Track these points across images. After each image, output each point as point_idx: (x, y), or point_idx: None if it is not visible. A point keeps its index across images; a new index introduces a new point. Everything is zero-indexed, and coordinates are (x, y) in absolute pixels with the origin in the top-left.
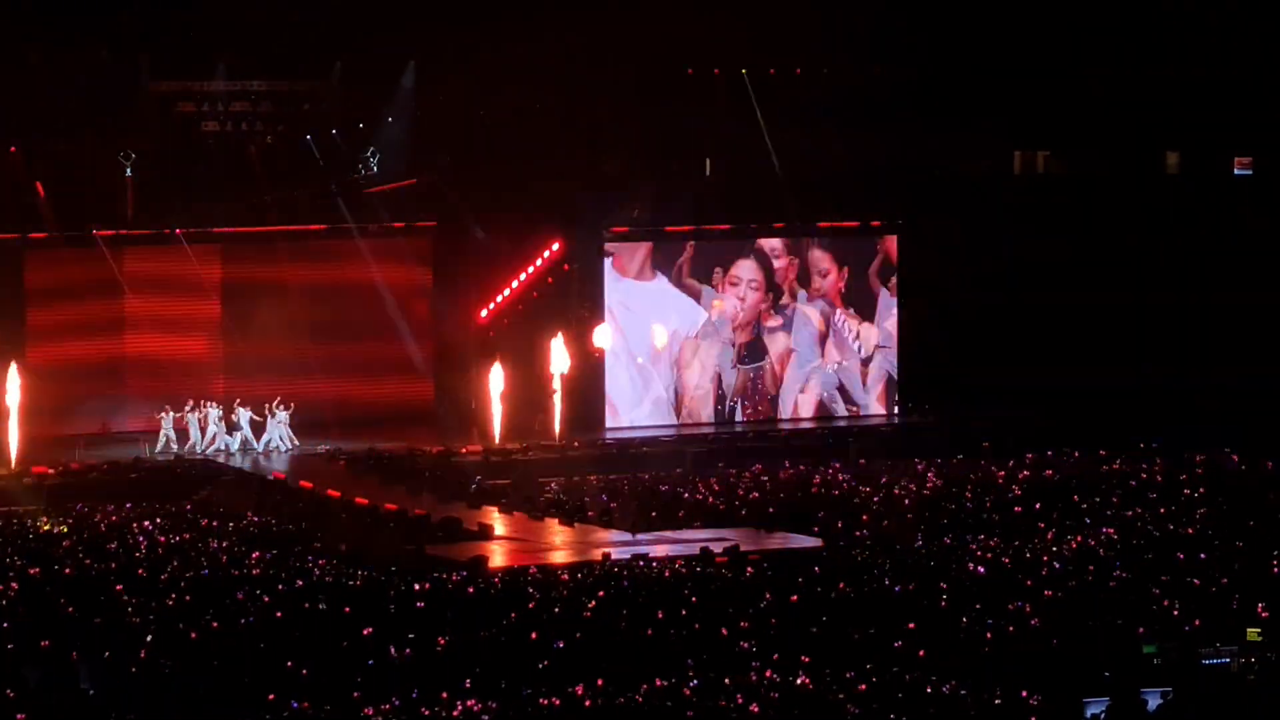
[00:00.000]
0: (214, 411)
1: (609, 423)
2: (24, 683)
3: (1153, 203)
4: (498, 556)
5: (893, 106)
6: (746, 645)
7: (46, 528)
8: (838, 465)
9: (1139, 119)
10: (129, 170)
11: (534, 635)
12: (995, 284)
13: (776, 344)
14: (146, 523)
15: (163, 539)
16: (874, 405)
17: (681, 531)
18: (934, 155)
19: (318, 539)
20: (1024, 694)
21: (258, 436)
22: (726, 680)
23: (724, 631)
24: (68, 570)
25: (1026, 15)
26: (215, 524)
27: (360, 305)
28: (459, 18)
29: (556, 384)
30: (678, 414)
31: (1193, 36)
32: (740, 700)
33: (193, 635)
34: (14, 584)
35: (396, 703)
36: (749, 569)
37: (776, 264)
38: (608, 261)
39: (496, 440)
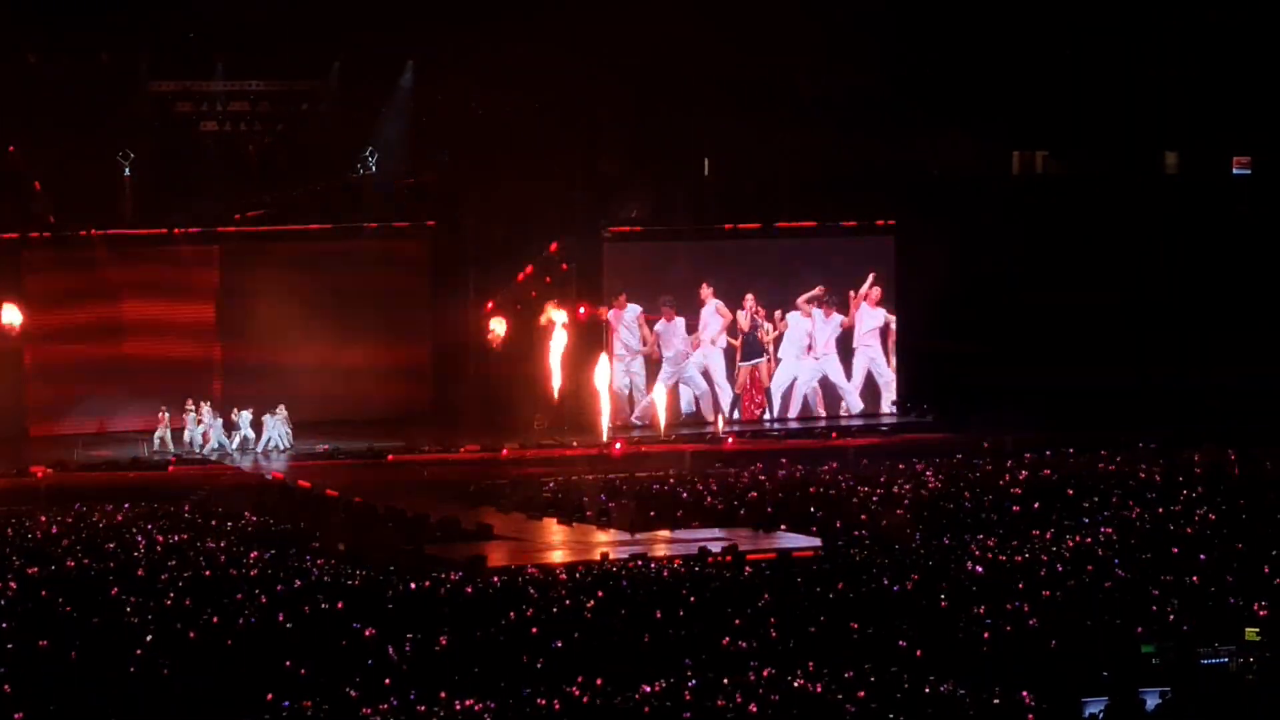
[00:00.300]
0: (210, 411)
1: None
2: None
3: (1151, 203)
4: (496, 556)
5: (891, 107)
6: (745, 645)
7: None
8: (836, 465)
9: (1137, 119)
10: (127, 170)
11: (533, 634)
12: (993, 284)
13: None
14: (145, 522)
15: (160, 539)
16: (859, 405)
17: (680, 531)
18: (932, 155)
19: (316, 539)
20: (1022, 694)
21: (258, 436)
22: (725, 680)
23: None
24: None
25: (1025, 15)
26: (213, 524)
27: (359, 305)
28: (457, 18)
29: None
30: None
31: (1191, 36)
32: (739, 700)
33: (191, 635)
34: (12, 584)
35: (395, 702)
36: (747, 569)
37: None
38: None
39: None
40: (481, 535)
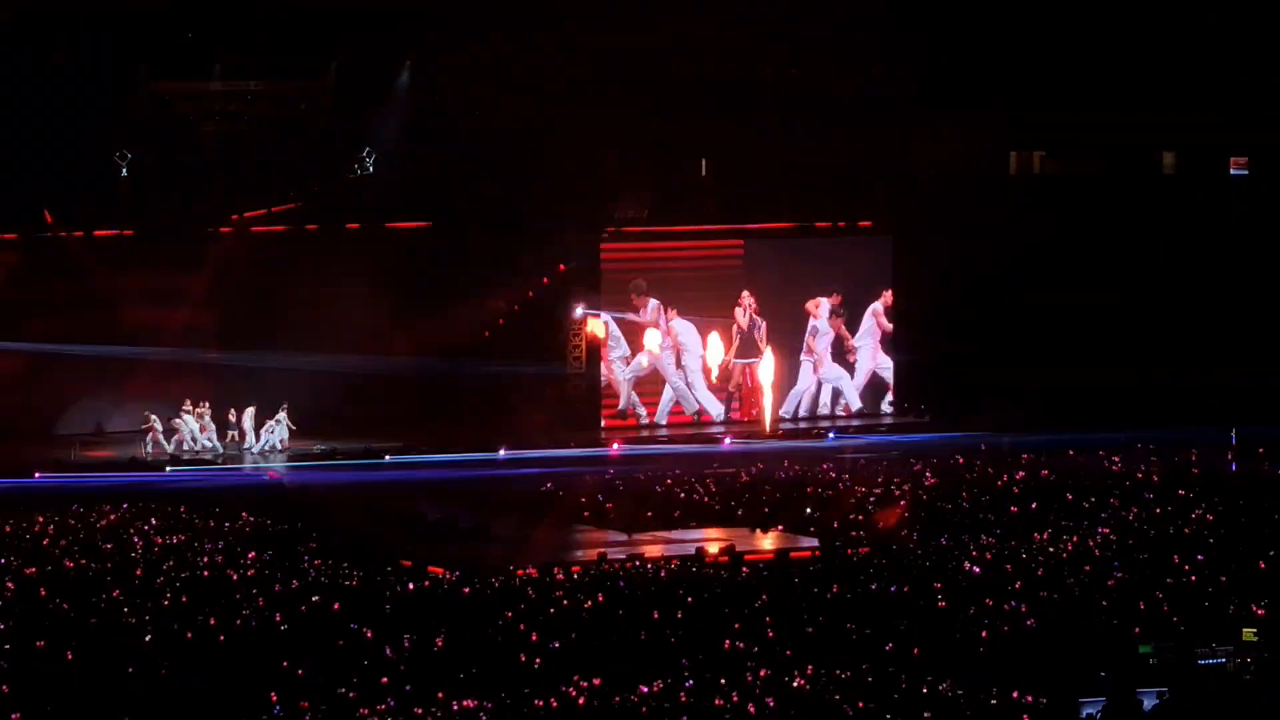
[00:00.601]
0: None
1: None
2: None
3: (1148, 203)
4: (493, 557)
5: (888, 106)
6: (742, 646)
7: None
8: (833, 465)
9: (1135, 119)
10: (125, 170)
11: (530, 635)
12: (991, 284)
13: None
14: (142, 523)
15: (158, 539)
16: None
17: (677, 532)
18: (929, 155)
19: (313, 539)
20: (1020, 694)
21: (259, 436)
22: (722, 681)
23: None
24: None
25: (1022, 15)
26: (211, 524)
27: (357, 305)
28: (455, 18)
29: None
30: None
31: (1189, 36)
32: (736, 700)
33: (188, 636)
34: (10, 584)
35: (392, 703)
36: (745, 569)
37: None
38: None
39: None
40: (479, 536)
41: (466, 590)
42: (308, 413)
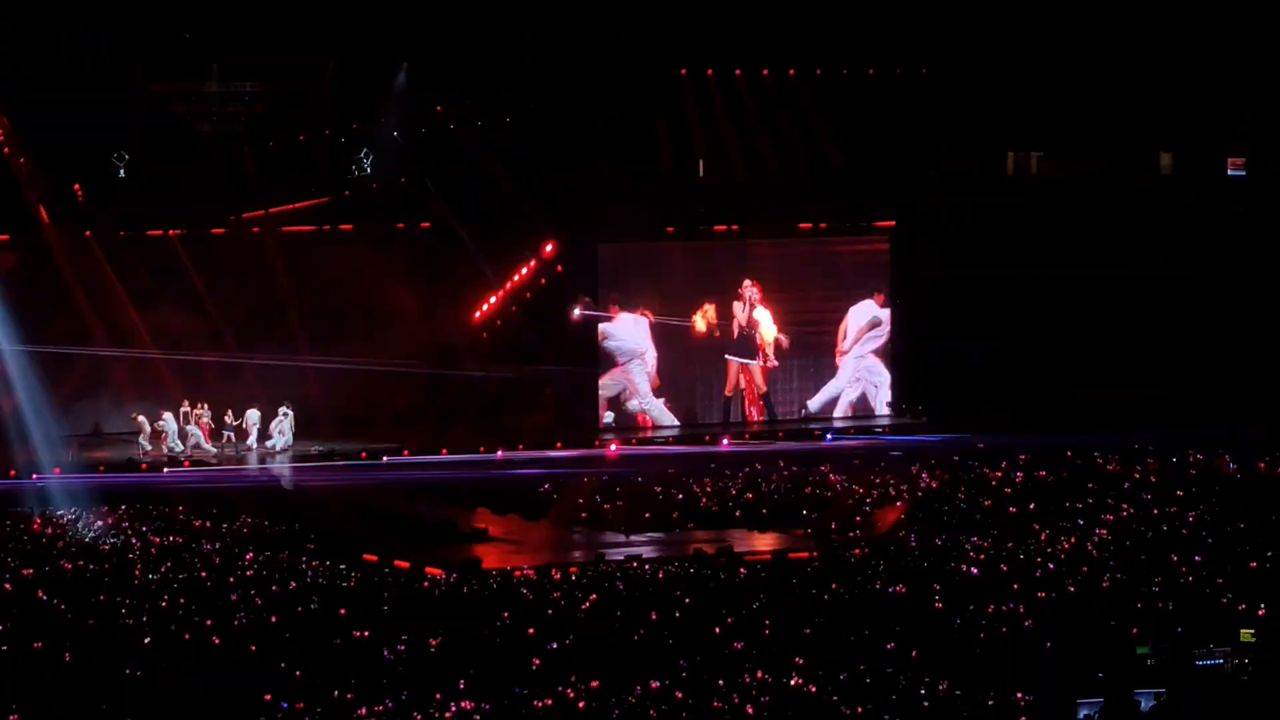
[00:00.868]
0: (207, 414)
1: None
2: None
3: (1146, 204)
4: (491, 558)
5: (886, 108)
6: (740, 646)
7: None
8: (830, 466)
9: (1132, 120)
10: (122, 172)
11: (528, 636)
12: (989, 285)
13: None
14: (140, 524)
15: (156, 540)
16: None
17: (675, 532)
18: (927, 156)
19: (311, 540)
20: (1017, 695)
21: (262, 438)
22: (720, 681)
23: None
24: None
25: (1020, 16)
26: (208, 525)
27: (355, 306)
28: (453, 19)
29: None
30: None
31: (1187, 37)
32: (734, 701)
33: (186, 637)
34: (7, 585)
35: (390, 704)
36: (742, 570)
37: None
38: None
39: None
40: (477, 537)
41: (464, 591)
42: (305, 414)
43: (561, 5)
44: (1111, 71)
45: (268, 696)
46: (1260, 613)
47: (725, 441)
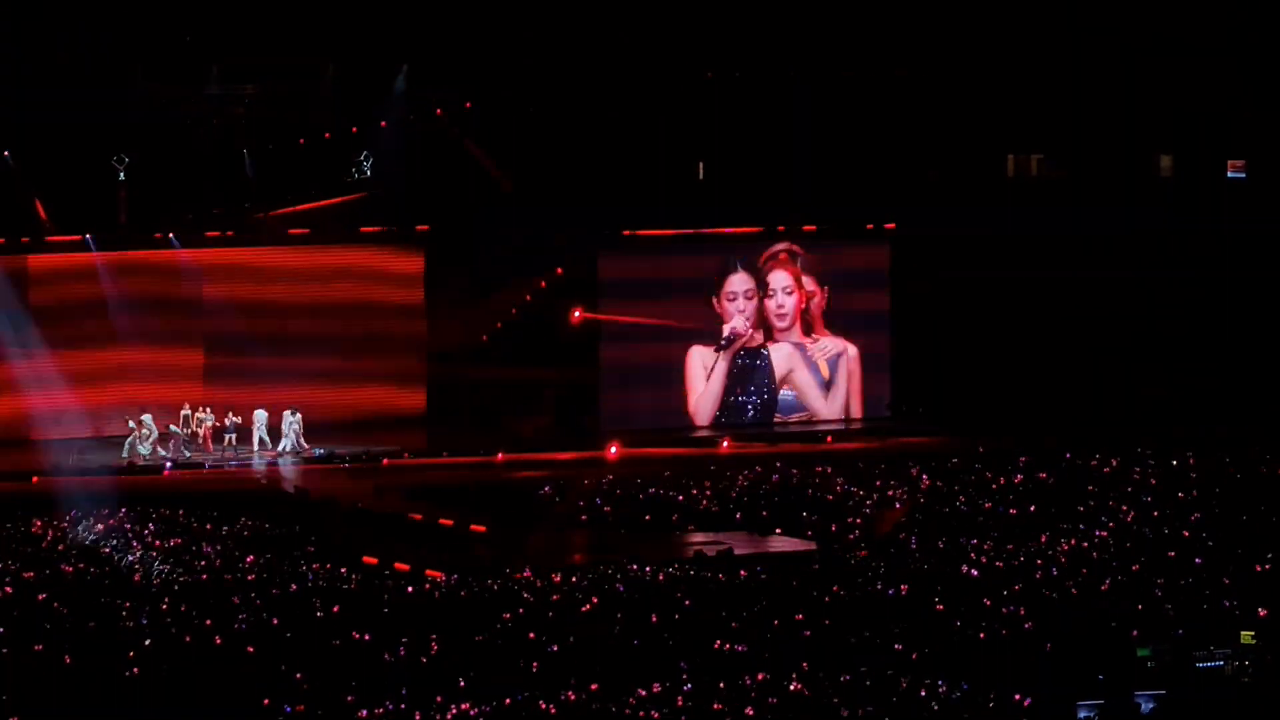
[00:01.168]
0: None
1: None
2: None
3: (1146, 205)
4: (491, 560)
5: (886, 109)
6: (740, 649)
7: None
8: (831, 468)
9: (1132, 122)
10: (121, 175)
11: (528, 639)
12: (989, 286)
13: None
14: (140, 526)
15: (156, 543)
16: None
17: (675, 534)
18: (927, 158)
19: (312, 542)
20: (1017, 696)
21: (274, 440)
22: (720, 684)
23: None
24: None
25: (1020, 17)
26: (209, 528)
27: (354, 308)
28: (452, 21)
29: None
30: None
31: (1186, 38)
32: (734, 704)
33: (186, 639)
34: (8, 588)
35: (390, 706)
36: (742, 572)
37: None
38: None
39: None
40: (477, 540)
41: (464, 594)
42: (305, 416)
43: (561, 6)
44: (1111, 73)
45: (267, 700)
46: (1261, 614)
47: (725, 444)
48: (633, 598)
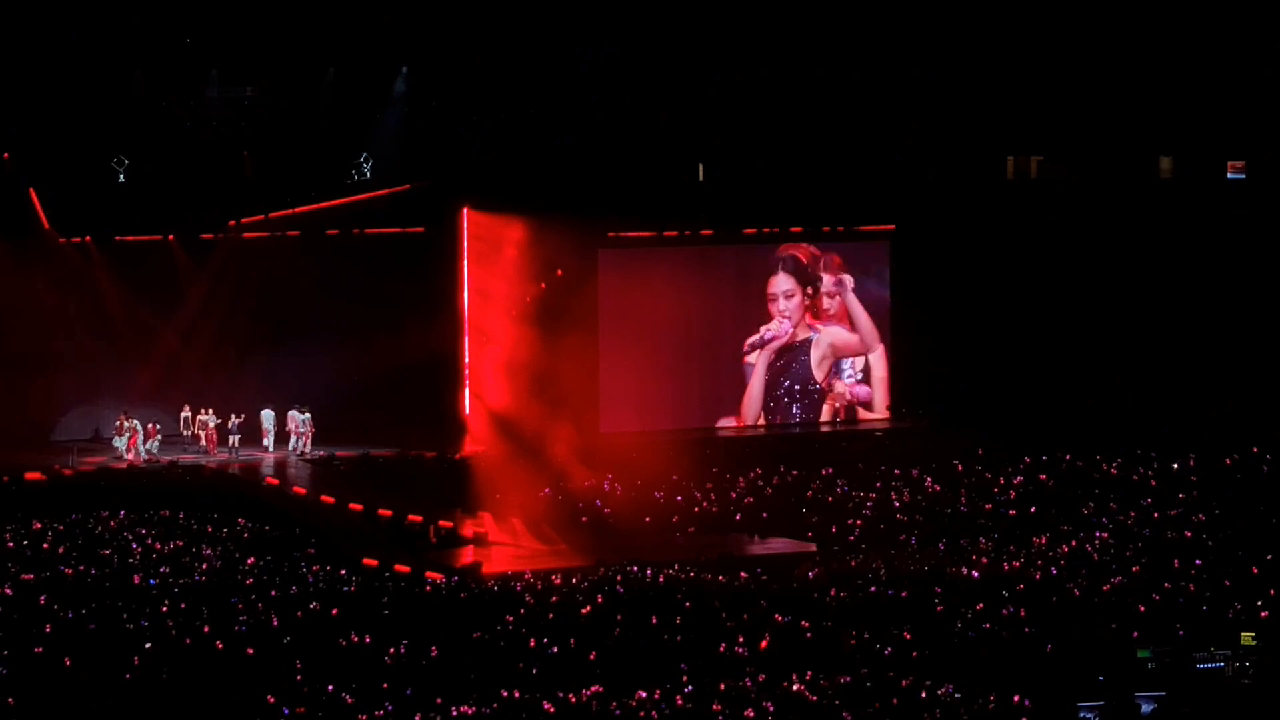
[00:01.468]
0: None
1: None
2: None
3: (1146, 207)
4: (492, 562)
5: (886, 111)
6: (741, 650)
7: None
8: (831, 470)
9: (1132, 123)
10: (121, 176)
11: (529, 640)
12: (988, 288)
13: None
14: (140, 529)
15: (156, 545)
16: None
17: (676, 536)
18: (927, 160)
19: (312, 544)
20: (1018, 698)
21: (283, 440)
22: (721, 685)
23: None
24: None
25: (1020, 19)
26: (209, 530)
27: (354, 310)
28: (451, 23)
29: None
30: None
31: (1186, 40)
32: (735, 705)
33: (187, 641)
34: (8, 590)
35: (390, 707)
36: (743, 574)
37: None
38: None
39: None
40: (478, 541)
41: (465, 595)
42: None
43: (561, 7)
44: (1111, 75)
45: (270, 699)
46: (1262, 615)
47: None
48: (633, 599)
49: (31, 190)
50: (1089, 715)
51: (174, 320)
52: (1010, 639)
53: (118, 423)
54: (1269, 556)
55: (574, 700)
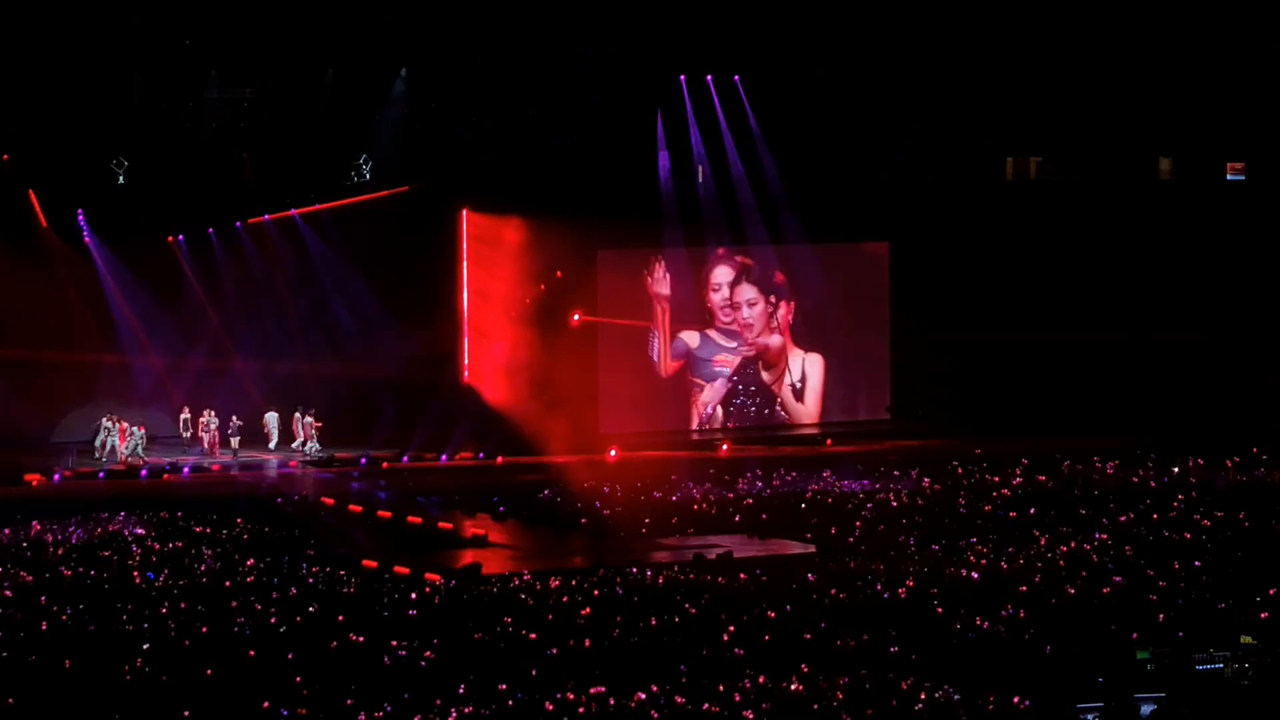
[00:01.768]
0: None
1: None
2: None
3: (1146, 208)
4: (492, 563)
5: (885, 113)
6: (740, 652)
7: None
8: (830, 472)
9: (1131, 125)
10: (121, 178)
11: (528, 641)
12: (988, 290)
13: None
14: (140, 530)
15: (156, 546)
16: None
17: (675, 538)
18: (926, 162)
19: (311, 546)
20: (1017, 700)
21: (284, 442)
22: (720, 687)
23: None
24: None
25: (1019, 21)
26: (208, 531)
27: (353, 311)
28: (450, 24)
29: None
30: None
31: (1186, 41)
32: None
33: (186, 643)
34: (7, 592)
35: (390, 709)
36: (742, 575)
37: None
38: None
39: None
40: (477, 543)
41: (465, 597)
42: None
43: (561, 8)
44: (1111, 76)
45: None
46: (1262, 616)
47: (725, 448)
48: (632, 601)
49: (31, 191)
50: (1089, 716)
51: (174, 321)
52: (1009, 640)
53: (97, 425)
54: (1269, 558)
55: (573, 701)
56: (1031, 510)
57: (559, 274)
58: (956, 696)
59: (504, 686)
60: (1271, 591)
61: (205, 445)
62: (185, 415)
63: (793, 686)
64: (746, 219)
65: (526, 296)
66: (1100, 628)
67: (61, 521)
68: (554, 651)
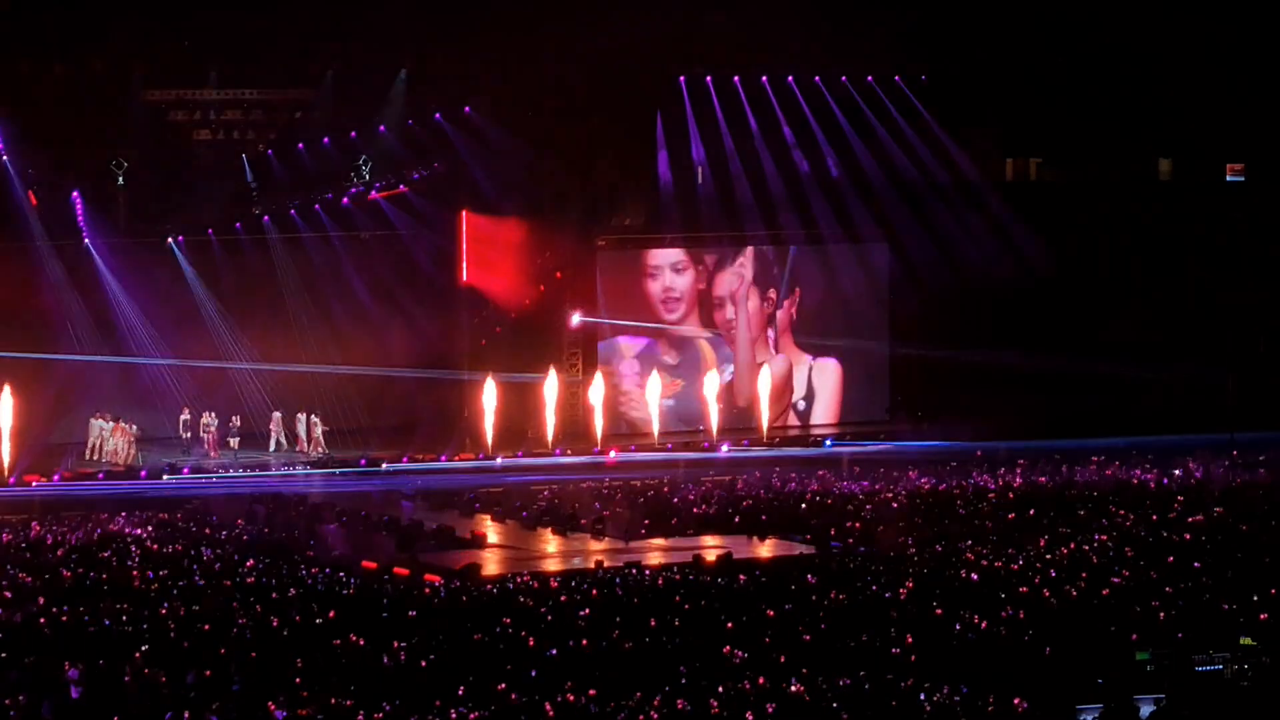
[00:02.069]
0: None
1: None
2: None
3: (1145, 209)
4: (491, 564)
5: (885, 114)
6: (739, 653)
7: None
8: (829, 473)
9: (1131, 125)
10: (120, 179)
11: (527, 643)
12: (987, 290)
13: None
14: (139, 531)
15: (155, 547)
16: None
17: (674, 539)
18: (926, 162)
19: (310, 547)
20: (1016, 701)
21: (291, 442)
22: (719, 688)
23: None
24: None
25: (1019, 22)
26: (208, 532)
27: (353, 313)
28: (450, 26)
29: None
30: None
31: (1186, 42)
32: (733, 708)
33: (185, 644)
34: (7, 593)
35: (389, 709)
36: (741, 576)
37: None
38: None
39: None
40: (476, 544)
41: (464, 598)
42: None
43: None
44: (1111, 77)
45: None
46: (1261, 617)
47: (724, 448)
48: (632, 602)
49: (31, 191)
50: (1088, 717)
51: (174, 321)
52: (1009, 641)
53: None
54: (1268, 559)
55: (572, 702)
56: (1030, 511)
57: (559, 274)
58: (956, 697)
59: (503, 687)
60: (1272, 592)
61: (205, 446)
62: (185, 416)
63: (793, 688)
64: (746, 219)
65: (526, 297)
66: (1100, 628)
67: (61, 521)
68: (553, 653)
